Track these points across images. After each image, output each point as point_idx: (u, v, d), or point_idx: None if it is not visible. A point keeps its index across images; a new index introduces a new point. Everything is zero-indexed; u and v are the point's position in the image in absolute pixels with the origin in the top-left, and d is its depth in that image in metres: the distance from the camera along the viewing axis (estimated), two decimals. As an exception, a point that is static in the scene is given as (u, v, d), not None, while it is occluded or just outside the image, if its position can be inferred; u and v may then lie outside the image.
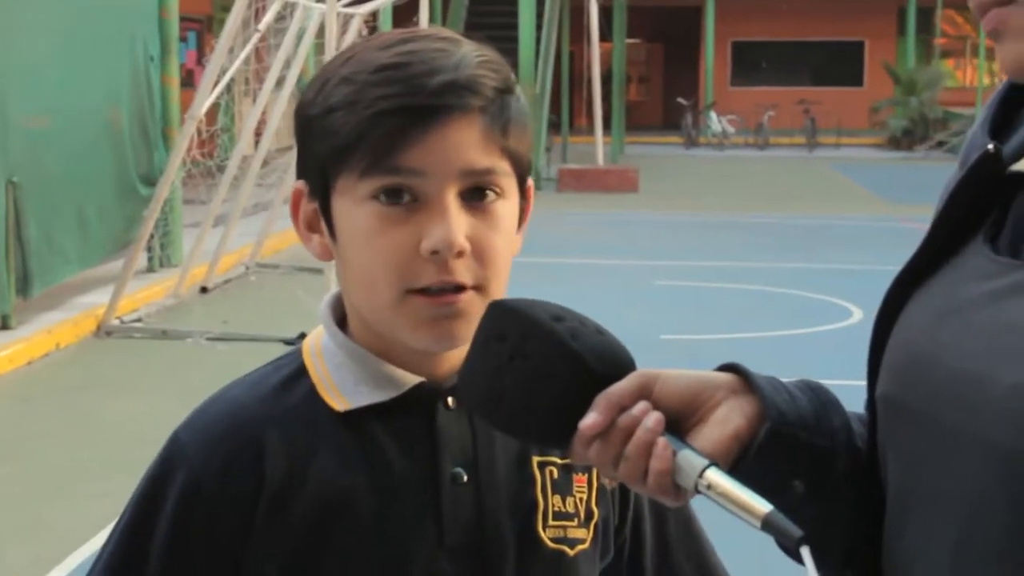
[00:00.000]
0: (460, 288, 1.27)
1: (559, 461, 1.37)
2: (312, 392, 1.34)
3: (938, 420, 1.06)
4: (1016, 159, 1.12)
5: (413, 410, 1.33)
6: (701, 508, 1.31)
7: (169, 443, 1.36)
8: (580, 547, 1.37)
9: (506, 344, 1.14)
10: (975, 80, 33.90)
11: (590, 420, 1.12)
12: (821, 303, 11.09)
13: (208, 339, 9.27)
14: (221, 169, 11.38)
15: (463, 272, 1.27)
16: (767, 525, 1.06)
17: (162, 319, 10.06)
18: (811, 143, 31.16)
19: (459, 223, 1.25)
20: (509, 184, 1.31)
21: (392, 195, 1.26)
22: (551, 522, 1.36)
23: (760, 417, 1.13)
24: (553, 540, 1.36)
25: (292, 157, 12.91)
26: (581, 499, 1.38)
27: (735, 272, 12.78)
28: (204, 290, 11.22)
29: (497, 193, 1.29)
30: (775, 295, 11.57)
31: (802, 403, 1.15)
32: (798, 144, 31.71)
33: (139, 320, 9.97)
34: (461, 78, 1.25)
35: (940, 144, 30.14)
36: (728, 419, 1.12)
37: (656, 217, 17.45)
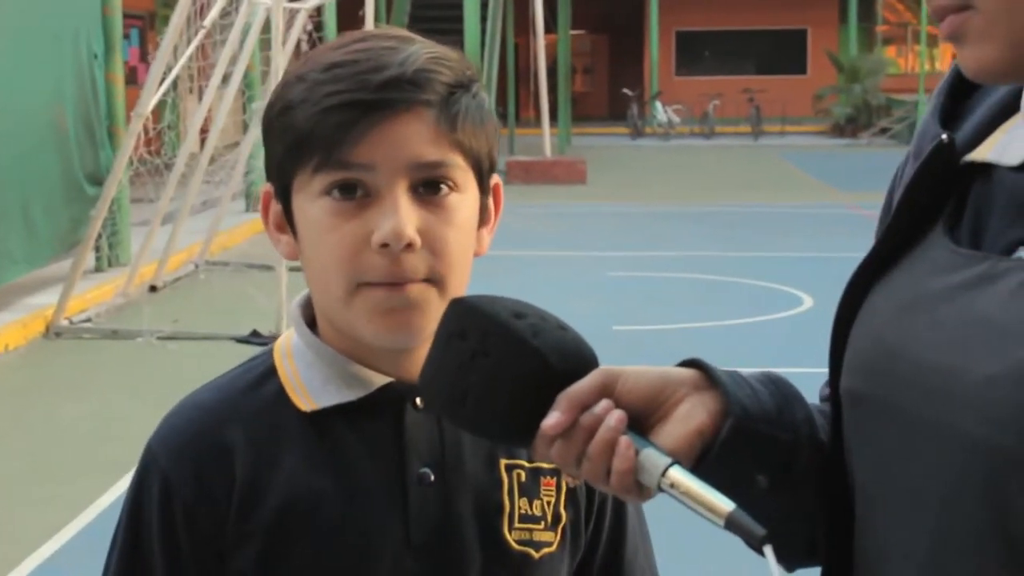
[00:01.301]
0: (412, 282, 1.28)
1: (527, 464, 1.38)
2: (280, 393, 1.35)
3: (909, 413, 1.07)
4: (969, 148, 1.13)
5: (381, 410, 1.34)
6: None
7: (144, 455, 1.38)
8: (546, 550, 1.38)
9: (467, 342, 1.14)
10: (917, 67, 34.14)
11: (552, 420, 1.11)
12: (771, 291, 11.15)
13: (159, 338, 9.22)
14: (168, 167, 11.30)
15: (415, 266, 1.28)
16: (730, 524, 1.06)
17: (112, 319, 9.98)
18: (756, 131, 31.29)
19: (409, 216, 1.26)
20: (464, 178, 1.31)
21: (344, 190, 1.28)
22: (517, 525, 1.36)
23: (723, 413, 1.13)
24: (518, 543, 1.36)
25: (239, 154, 12.87)
26: (549, 502, 1.39)
27: (685, 262, 12.83)
28: (153, 289, 11.14)
29: (450, 187, 1.30)
30: (726, 284, 11.62)
31: (764, 397, 1.16)
32: (743, 133, 31.83)
33: (89, 320, 9.90)
34: (407, 73, 1.27)
35: (884, 131, 30.35)
36: (691, 415, 1.13)
37: (605, 208, 17.48)
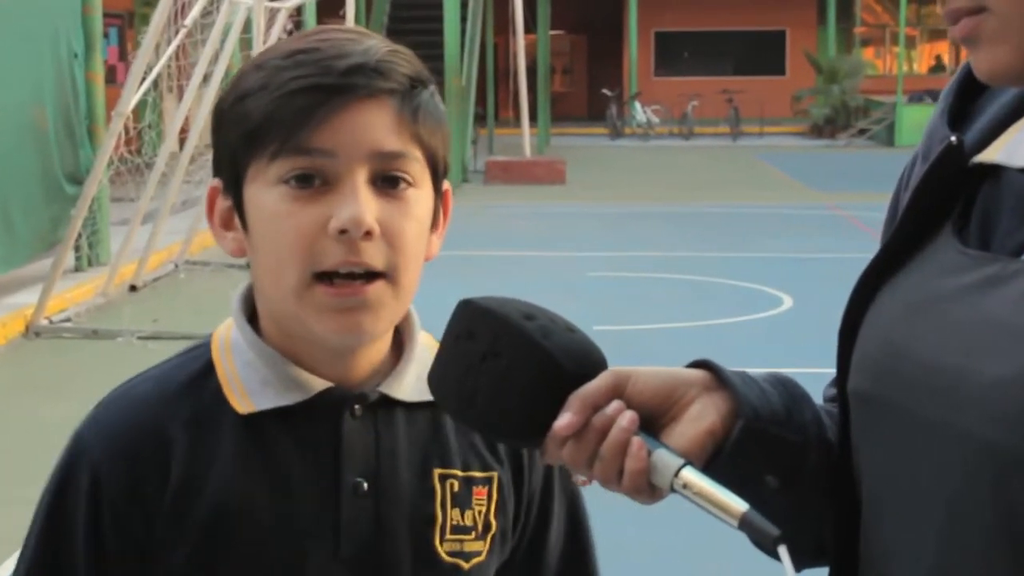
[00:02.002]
0: (368, 276, 1.26)
1: (460, 473, 1.37)
2: (218, 392, 1.32)
3: (916, 413, 1.07)
4: (978, 150, 1.13)
5: (319, 416, 1.32)
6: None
7: (72, 442, 1.34)
8: (476, 560, 1.37)
9: (477, 343, 1.14)
10: (895, 68, 34.24)
11: (564, 420, 1.12)
12: (752, 291, 11.17)
13: (139, 338, 9.18)
14: (149, 166, 11.27)
15: (373, 255, 1.26)
16: (744, 524, 1.07)
17: (92, 319, 9.95)
18: (735, 132, 31.34)
19: (368, 203, 1.25)
20: (421, 173, 1.30)
21: (302, 179, 1.26)
22: (448, 536, 1.35)
23: (733, 413, 1.14)
24: (449, 554, 1.35)
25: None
26: (480, 512, 1.38)
27: (666, 262, 12.84)
28: (133, 288, 11.11)
29: (408, 182, 1.28)
30: (706, 284, 11.63)
31: (773, 398, 1.16)
32: (722, 133, 31.88)
33: (68, 320, 9.86)
34: (371, 61, 1.27)
35: (862, 132, 30.43)
36: (702, 416, 1.13)
37: (585, 208, 17.49)
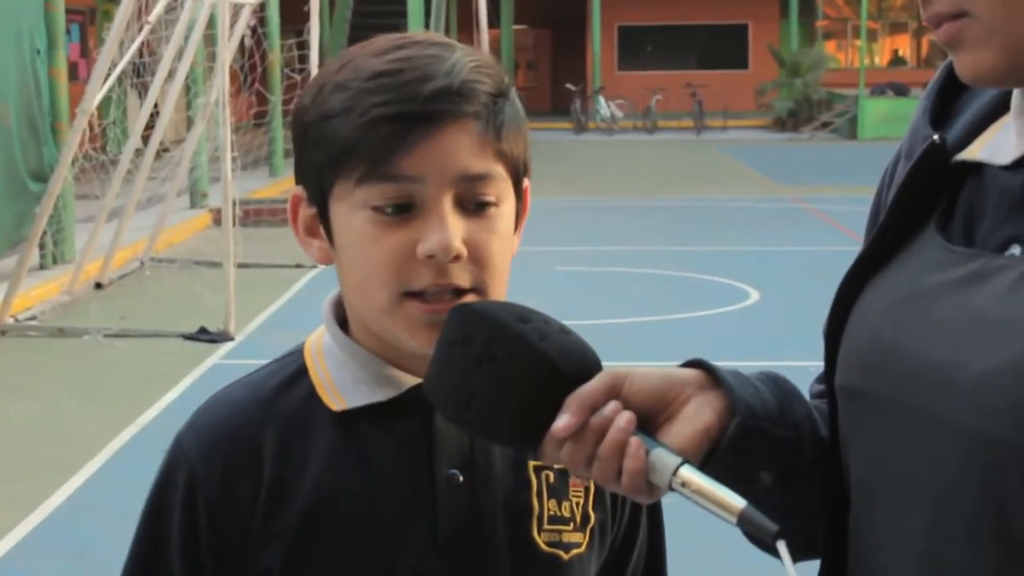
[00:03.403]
0: (457, 292, 1.28)
1: (555, 465, 1.38)
2: (311, 393, 1.35)
3: (906, 407, 1.09)
4: (960, 148, 1.15)
5: (411, 411, 1.33)
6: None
7: (173, 447, 1.37)
8: (575, 551, 1.38)
9: (473, 347, 1.14)
10: (857, 61, 34.40)
11: (563, 422, 1.13)
12: (718, 285, 11.20)
13: (106, 336, 9.15)
14: (114, 163, 11.21)
15: (460, 275, 1.28)
16: (742, 521, 1.08)
17: (58, 317, 9.89)
18: (699, 126, 31.40)
19: (455, 228, 1.26)
20: (505, 189, 1.32)
21: (391, 205, 1.27)
22: (546, 526, 1.36)
23: (729, 411, 1.15)
24: (548, 544, 1.36)
25: (184, 150, 12.78)
26: (577, 503, 1.39)
27: (633, 256, 12.87)
28: (99, 286, 11.05)
29: (494, 203, 1.30)
30: (673, 278, 11.67)
31: (766, 395, 1.18)
32: (686, 127, 31.94)
33: (34, 318, 9.81)
34: (455, 84, 1.27)
35: (825, 125, 30.56)
36: (698, 415, 1.14)
37: (550, 203, 17.48)
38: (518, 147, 1.33)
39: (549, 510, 1.37)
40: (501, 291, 1.32)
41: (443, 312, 1.25)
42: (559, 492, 1.38)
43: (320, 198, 1.32)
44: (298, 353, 1.39)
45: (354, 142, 1.26)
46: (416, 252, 1.26)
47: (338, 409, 1.34)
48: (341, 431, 1.33)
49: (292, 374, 1.37)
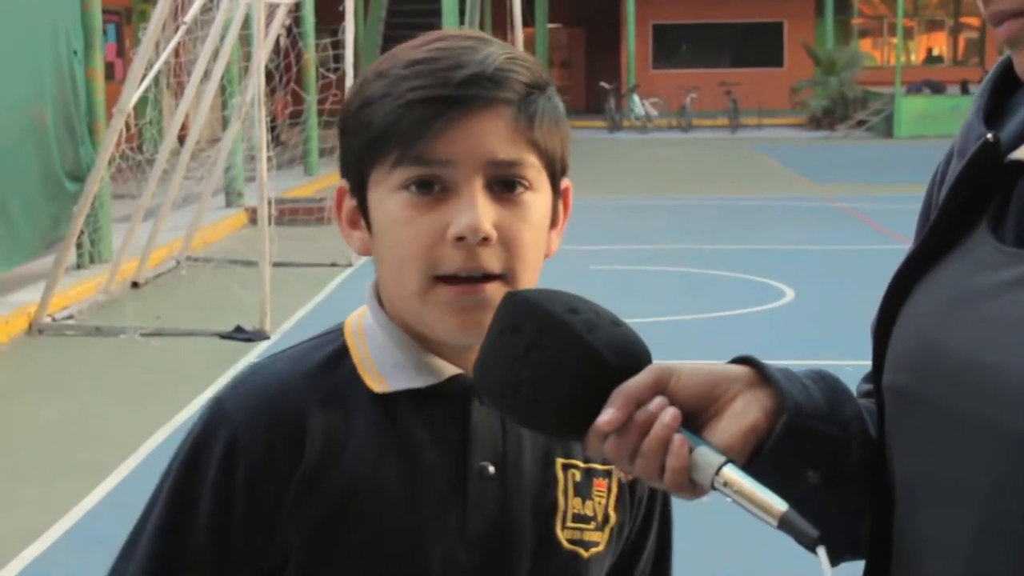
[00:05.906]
0: (487, 277, 1.29)
1: (582, 464, 1.39)
2: (352, 372, 1.36)
3: (952, 408, 1.08)
4: (1014, 147, 1.14)
5: (448, 400, 1.35)
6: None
7: (211, 408, 1.36)
8: (594, 550, 1.39)
9: (522, 336, 1.14)
10: (893, 59, 34.24)
11: (607, 416, 1.12)
12: (754, 284, 11.17)
13: (142, 335, 9.19)
14: (150, 163, 11.27)
15: (489, 259, 1.29)
16: (784, 524, 1.07)
17: (94, 316, 9.95)
18: (733, 124, 31.33)
19: (485, 210, 1.28)
20: (538, 177, 1.33)
21: (422, 185, 1.29)
22: (569, 524, 1.38)
23: (777, 409, 1.14)
24: (569, 541, 1.38)
25: (219, 150, 12.83)
26: (600, 503, 1.40)
27: (667, 255, 12.84)
28: (135, 285, 11.11)
29: (525, 186, 1.31)
30: (708, 277, 11.64)
31: (815, 393, 1.17)
32: (721, 126, 31.87)
33: (71, 317, 9.87)
34: (487, 71, 1.29)
35: (860, 123, 30.43)
36: (745, 412, 1.13)
37: (585, 202, 17.46)
38: (553, 140, 1.34)
39: (573, 508, 1.38)
40: (532, 279, 1.32)
41: (472, 295, 1.28)
42: (584, 491, 1.39)
43: (360, 187, 1.35)
44: (338, 332, 1.40)
45: (388, 125, 1.29)
46: (447, 235, 1.28)
47: (379, 391, 1.34)
48: (380, 412, 1.34)
49: (334, 352, 1.37)
